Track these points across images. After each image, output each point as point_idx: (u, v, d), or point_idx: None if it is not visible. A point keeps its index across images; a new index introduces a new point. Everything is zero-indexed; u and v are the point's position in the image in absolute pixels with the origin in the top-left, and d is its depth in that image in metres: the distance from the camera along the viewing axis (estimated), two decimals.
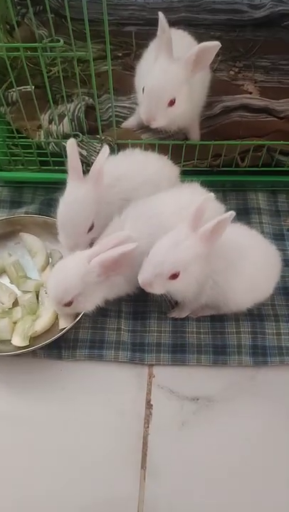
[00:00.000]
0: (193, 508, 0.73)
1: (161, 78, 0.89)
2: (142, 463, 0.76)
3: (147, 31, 1.30)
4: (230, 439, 0.79)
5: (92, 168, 0.81)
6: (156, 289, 0.74)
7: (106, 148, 0.81)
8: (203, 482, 0.75)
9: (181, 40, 1.01)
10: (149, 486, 0.74)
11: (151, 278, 0.72)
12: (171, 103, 0.90)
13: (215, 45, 0.87)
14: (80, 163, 0.82)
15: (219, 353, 0.87)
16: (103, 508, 0.72)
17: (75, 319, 0.84)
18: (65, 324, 0.85)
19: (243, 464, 0.77)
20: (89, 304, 0.79)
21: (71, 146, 0.80)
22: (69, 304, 0.77)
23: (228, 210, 0.90)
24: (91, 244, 0.83)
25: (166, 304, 0.90)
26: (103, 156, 0.80)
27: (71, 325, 0.84)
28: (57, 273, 0.77)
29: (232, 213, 0.71)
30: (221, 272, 0.77)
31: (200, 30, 1.39)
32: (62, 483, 0.74)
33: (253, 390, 0.84)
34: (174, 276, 0.72)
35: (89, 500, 0.73)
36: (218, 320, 0.90)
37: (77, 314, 0.85)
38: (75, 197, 0.81)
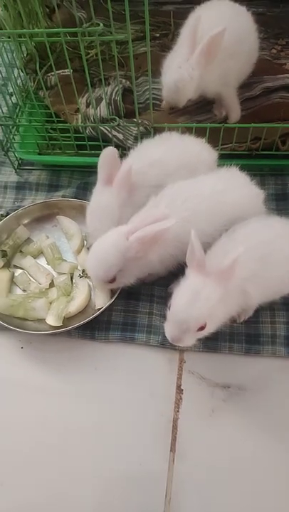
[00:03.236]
0: (220, 493, 0.73)
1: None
2: (171, 446, 0.77)
3: (186, 10, 1.26)
4: (260, 428, 0.78)
5: (117, 176, 0.83)
6: (187, 343, 0.72)
7: (129, 162, 0.82)
8: (230, 469, 0.75)
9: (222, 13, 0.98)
10: (178, 469, 0.75)
11: (179, 335, 0.71)
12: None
13: (220, 31, 0.84)
14: (109, 168, 0.84)
15: (252, 342, 0.85)
16: (133, 486, 0.74)
17: (110, 300, 0.86)
18: (101, 304, 0.86)
19: (271, 454, 0.76)
20: (131, 278, 0.81)
21: (107, 152, 0.82)
22: (112, 280, 0.79)
23: (266, 195, 0.88)
24: None
25: None
26: (127, 166, 0.81)
27: (107, 305, 0.85)
28: (97, 252, 0.78)
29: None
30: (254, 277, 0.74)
31: (241, 6, 1.33)
32: (91, 458, 0.77)
33: (285, 381, 0.82)
34: (202, 328, 0.70)
35: (118, 477, 0.75)
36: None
37: (112, 295, 0.87)
38: (98, 204, 0.85)
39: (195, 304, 0.68)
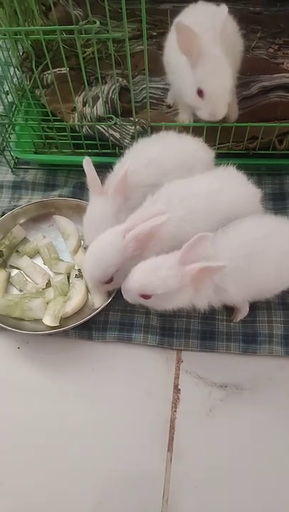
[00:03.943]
0: (217, 493, 0.73)
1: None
2: (168, 445, 0.77)
3: (183, 8, 1.26)
4: (257, 427, 0.78)
5: (113, 183, 0.82)
6: (128, 299, 0.76)
7: (124, 166, 0.81)
8: (228, 469, 0.75)
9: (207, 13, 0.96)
10: (175, 468, 0.75)
11: (124, 287, 0.74)
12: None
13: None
14: (97, 179, 0.84)
15: (249, 342, 0.85)
16: (131, 486, 0.74)
17: (107, 300, 0.86)
18: (98, 304, 0.86)
19: (269, 454, 0.76)
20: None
21: (87, 164, 0.83)
22: (109, 281, 0.79)
23: (263, 194, 0.88)
24: None
25: None
26: (123, 171, 0.80)
27: (104, 305, 0.85)
28: (95, 251, 0.78)
29: (222, 266, 0.69)
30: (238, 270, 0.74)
31: (238, 6, 1.33)
32: (90, 458, 0.77)
33: (283, 381, 0.82)
34: (145, 296, 0.73)
35: (116, 477, 0.75)
36: (249, 308, 0.88)
37: (109, 295, 0.86)
38: (94, 215, 0.85)
39: (148, 273, 0.71)
